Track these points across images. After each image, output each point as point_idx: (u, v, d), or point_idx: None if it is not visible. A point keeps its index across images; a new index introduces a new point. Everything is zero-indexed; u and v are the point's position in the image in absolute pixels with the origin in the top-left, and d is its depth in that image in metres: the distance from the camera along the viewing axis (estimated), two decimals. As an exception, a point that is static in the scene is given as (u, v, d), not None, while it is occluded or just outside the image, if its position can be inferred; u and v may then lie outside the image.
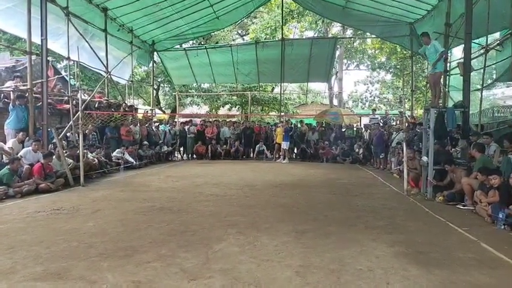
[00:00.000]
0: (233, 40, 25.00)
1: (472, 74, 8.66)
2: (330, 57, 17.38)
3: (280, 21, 17.61)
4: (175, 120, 16.89)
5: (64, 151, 8.23)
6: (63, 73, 12.90)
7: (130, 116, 12.81)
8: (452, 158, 7.22)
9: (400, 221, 5.06)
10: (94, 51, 11.68)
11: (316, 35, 23.95)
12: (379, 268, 3.26)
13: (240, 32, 27.31)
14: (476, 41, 10.03)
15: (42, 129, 8.81)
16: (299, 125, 16.04)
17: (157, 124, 15.42)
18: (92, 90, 12.58)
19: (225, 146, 15.08)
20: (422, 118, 8.04)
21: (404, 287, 2.91)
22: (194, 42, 21.27)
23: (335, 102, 26.45)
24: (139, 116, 14.71)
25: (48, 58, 9.36)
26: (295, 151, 15.78)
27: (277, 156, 14.65)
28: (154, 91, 22.30)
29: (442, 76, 9.09)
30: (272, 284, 2.91)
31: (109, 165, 10.18)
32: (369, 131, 13.77)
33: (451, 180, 6.61)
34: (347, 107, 27.08)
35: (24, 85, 8.82)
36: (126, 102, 14.51)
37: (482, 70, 9.87)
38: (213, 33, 20.78)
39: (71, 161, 8.28)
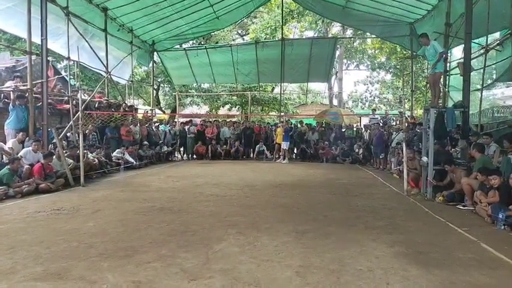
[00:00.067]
0: (233, 40, 25.00)
1: (472, 74, 8.66)
2: (329, 57, 17.37)
3: (280, 21, 17.60)
4: (176, 120, 16.88)
5: (64, 151, 8.24)
6: (63, 73, 12.91)
7: (131, 116, 12.81)
8: (452, 158, 7.22)
9: (400, 221, 5.06)
10: (94, 51, 11.68)
11: (316, 35, 23.97)
12: (379, 268, 3.27)
13: (240, 32, 27.31)
14: (476, 41, 10.03)
15: (42, 129, 8.81)
16: (299, 125, 16.05)
17: (157, 124, 15.42)
18: (92, 90, 12.58)
19: (225, 146, 15.08)
20: (422, 118, 8.05)
21: (404, 287, 2.92)
22: (194, 42, 21.27)
23: (335, 102, 26.47)
24: (140, 116, 14.70)
25: (48, 58, 9.36)
26: (295, 151, 15.79)
27: (277, 156, 14.65)
28: (154, 91, 22.31)
29: (442, 76, 9.09)
30: (272, 284, 2.92)
31: (109, 165, 10.18)
32: (368, 131, 13.77)
33: (451, 181, 6.61)
34: (347, 107, 27.09)
35: (24, 85, 8.82)
36: (126, 102, 14.52)
37: (482, 70, 9.87)
38: (213, 33, 20.78)
39: (71, 161, 8.28)
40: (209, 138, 15.00)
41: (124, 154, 10.93)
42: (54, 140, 8.49)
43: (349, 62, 27.53)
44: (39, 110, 8.92)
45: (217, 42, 21.44)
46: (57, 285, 2.87)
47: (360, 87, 29.17)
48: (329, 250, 3.75)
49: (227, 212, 5.46)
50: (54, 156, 7.84)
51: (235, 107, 25.18)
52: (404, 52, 19.41)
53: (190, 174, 9.95)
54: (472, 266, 3.39)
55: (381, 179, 9.50)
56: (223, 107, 25.45)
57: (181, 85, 22.16)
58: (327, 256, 3.56)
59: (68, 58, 10.39)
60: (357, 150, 14.03)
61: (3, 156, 7.57)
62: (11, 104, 8.37)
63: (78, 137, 8.48)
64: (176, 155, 15.57)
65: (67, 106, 10.29)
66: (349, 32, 24.00)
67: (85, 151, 8.68)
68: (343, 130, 15.34)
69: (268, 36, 21.22)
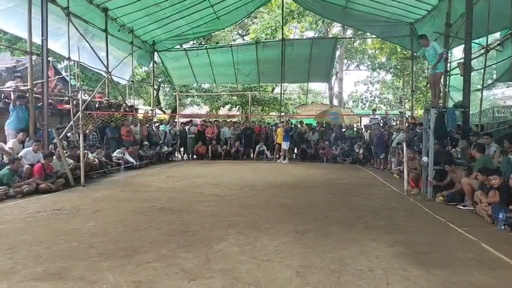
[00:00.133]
0: (233, 40, 25.01)
1: (472, 74, 8.66)
2: (330, 57, 17.38)
3: (281, 22, 17.61)
4: (176, 120, 16.89)
5: (64, 151, 8.24)
6: (64, 73, 12.92)
7: (131, 116, 12.82)
8: (453, 158, 7.21)
9: (400, 221, 5.06)
10: (94, 51, 11.68)
11: (316, 35, 23.97)
12: (379, 268, 3.27)
13: (240, 32, 27.32)
14: (477, 41, 10.03)
15: (42, 130, 8.81)
16: (299, 126, 16.05)
17: (157, 124, 15.43)
18: (93, 91, 12.59)
19: (225, 146, 15.08)
20: (423, 118, 8.04)
21: (405, 287, 2.92)
22: (194, 42, 21.28)
23: (335, 102, 26.46)
24: (140, 116, 14.71)
25: (48, 58, 9.37)
26: (296, 151, 15.78)
27: (277, 156, 14.65)
28: (155, 91, 22.33)
29: (442, 76, 9.09)
30: (272, 284, 2.92)
31: (109, 165, 10.19)
32: (369, 131, 13.77)
33: (451, 181, 6.61)
34: (347, 107, 27.08)
35: (24, 85, 8.82)
36: (126, 102, 14.52)
37: (482, 70, 9.87)
38: (213, 34, 20.79)
39: (72, 161, 8.28)
40: (209, 138, 15.00)
41: (124, 154, 10.93)
42: (55, 140, 8.49)
43: (349, 62, 27.54)
44: (39, 110, 8.92)
45: (217, 43, 21.45)
46: (57, 285, 2.87)
47: (360, 88, 29.20)
48: (329, 250, 3.75)
49: (227, 212, 5.46)
50: (54, 156, 7.85)
51: (236, 107, 25.18)
52: (405, 52, 19.42)
53: (190, 174, 9.95)
54: (472, 266, 3.39)
55: (381, 179, 9.49)
56: (223, 107, 25.46)
57: (182, 85, 22.17)
58: (327, 256, 3.56)
59: (69, 58, 10.40)
60: (357, 150, 14.03)
61: (4, 156, 7.57)
62: (11, 104, 8.38)
63: (79, 137, 8.48)
64: (176, 155, 15.58)
65: (67, 106, 10.29)
66: (349, 32, 24.00)
67: (85, 151, 8.68)
68: (344, 130, 15.34)
69: (268, 36, 21.23)
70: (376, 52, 24.93)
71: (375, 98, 28.09)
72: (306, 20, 23.64)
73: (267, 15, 22.65)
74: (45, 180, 7.15)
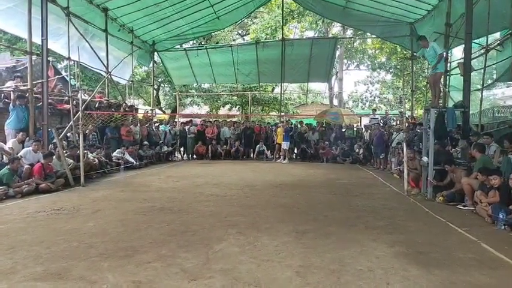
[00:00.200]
0: (233, 40, 25.01)
1: (472, 74, 8.66)
2: (330, 57, 17.38)
3: (281, 21, 17.61)
4: (176, 120, 16.89)
5: (64, 151, 8.24)
6: (64, 73, 12.91)
7: (131, 116, 12.82)
8: (453, 158, 7.21)
9: (400, 221, 5.06)
10: (94, 51, 11.68)
11: (316, 35, 23.96)
12: (379, 268, 3.27)
13: (240, 32, 27.31)
14: (477, 41, 10.03)
15: (42, 130, 8.81)
16: (299, 125, 16.05)
17: (157, 124, 15.43)
18: (92, 91, 12.58)
19: (225, 146, 15.08)
20: (423, 118, 8.04)
21: (405, 287, 2.92)
22: (194, 42, 21.28)
23: (335, 102, 26.46)
24: (140, 116, 14.71)
25: (48, 58, 9.37)
26: (296, 151, 15.78)
27: (277, 156, 14.65)
28: (155, 91, 22.33)
29: (443, 76, 9.08)
30: (272, 284, 2.92)
31: (109, 165, 10.18)
32: (369, 131, 13.77)
33: (451, 181, 6.61)
34: (347, 107, 27.07)
35: (24, 85, 8.82)
36: (126, 102, 14.52)
37: (482, 70, 9.87)
38: (213, 34, 20.78)
39: (71, 161, 8.28)
40: (209, 138, 15.01)
41: (124, 154, 10.93)
42: (54, 140, 8.49)
43: (349, 62, 27.54)
44: (39, 110, 8.92)
45: (217, 43, 21.45)
46: (57, 285, 2.87)
47: (360, 87, 29.19)
48: (329, 250, 3.75)
49: (227, 212, 5.46)
50: (54, 156, 7.84)
51: (236, 107, 25.19)
52: (405, 52, 19.42)
53: (190, 174, 9.95)
54: (472, 266, 3.39)
55: (381, 179, 9.49)
56: (223, 107, 25.46)
57: (182, 85, 22.17)
58: (327, 256, 3.56)
59: (69, 58, 10.40)
60: (357, 150, 14.03)
61: (4, 156, 7.57)
62: (11, 104, 8.38)
63: (78, 137, 8.48)
64: (176, 155, 15.58)
65: (67, 106, 10.29)
66: (349, 32, 23.99)
67: (85, 151, 8.68)
68: (344, 130, 15.34)
69: (268, 36, 21.22)
70: (376, 52, 24.93)
71: (374, 98, 28.09)
72: (306, 20, 23.64)
73: (267, 15, 22.65)
74: (45, 180, 7.15)
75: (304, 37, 23.69)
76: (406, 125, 9.40)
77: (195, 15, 14.36)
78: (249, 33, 24.93)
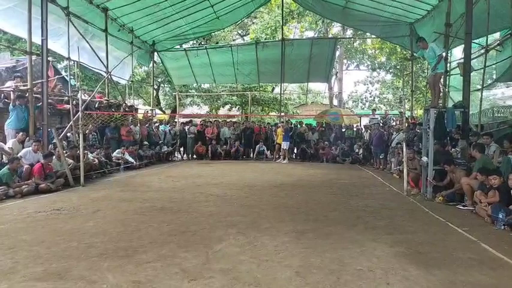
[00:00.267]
0: (233, 40, 25.01)
1: (472, 74, 8.66)
2: (330, 57, 17.38)
3: (281, 22, 17.62)
4: (176, 120, 16.90)
5: (64, 151, 8.24)
6: (64, 73, 12.93)
7: (131, 116, 12.82)
8: (452, 158, 7.21)
9: (400, 221, 5.06)
10: (94, 51, 11.68)
11: (316, 35, 23.95)
12: (379, 268, 3.27)
13: (240, 32, 27.30)
14: (476, 41, 10.03)
15: (42, 130, 8.81)
16: (298, 126, 16.05)
17: (157, 124, 15.43)
18: (92, 91, 12.59)
19: (225, 146, 15.08)
20: (422, 118, 8.04)
21: (405, 287, 2.92)
22: (194, 42, 21.28)
23: (335, 102, 26.42)
24: (140, 116, 14.71)
25: (48, 58, 9.37)
26: (295, 151, 15.79)
27: (277, 156, 14.66)
28: (155, 91, 22.32)
29: (442, 76, 9.08)
30: (272, 284, 2.92)
31: (109, 165, 10.18)
32: (369, 131, 13.78)
33: (451, 181, 6.61)
34: (347, 107, 27.03)
35: (24, 85, 8.82)
36: (126, 102, 14.52)
37: (482, 70, 9.87)
38: (213, 34, 20.78)
39: (71, 161, 8.28)
40: (209, 138, 15.01)
41: (124, 154, 10.92)
42: (54, 140, 8.49)
43: (349, 62, 27.49)
44: (39, 110, 8.92)
45: (217, 43, 21.45)
46: (57, 285, 2.87)
47: (360, 88, 29.13)
48: (329, 250, 3.75)
49: (227, 212, 5.46)
50: (54, 156, 7.84)
51: (236, 107, 25.18)
52: (404, 52, 19.42)
53: (190, 174, 9.95)
54: (472, 266, 3.39)
55: (380, 179, 9.50)
56: (223, 107, 25.46)
57: (182, 85, 22.16)
58: (327, 256, 3.56)
59: (68, 58, 10.40)
60: (357, 150, 14.04)
61: (3, 156, 7.57)
62: (11, 104, 8.38)
63: (78, 137, 8.48)
64: (176, 155, 15.58)
65: (67, 106, 10.29)
66: (349, 32, 23.97)
67: (85, 151, 8.68)
68: (343, 130, 15.35)
69: (268, 36, 21.21)
70: (376, 52, 24.91)
71: (374, 98, 28.06)
72: (305, 20, 23.62)
73: (266, 15, 22.64)
74: (45, 180, 7.14)
75: (304, 37, 23.68)
76: (406, 125, 9.40)
77: (195, 15, 14.36)
78: (248, 33, 24.93)
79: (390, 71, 25.14)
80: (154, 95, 21.45)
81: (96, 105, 11.79)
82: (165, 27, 14.68)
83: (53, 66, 11.39)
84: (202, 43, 21.84)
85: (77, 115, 8.94)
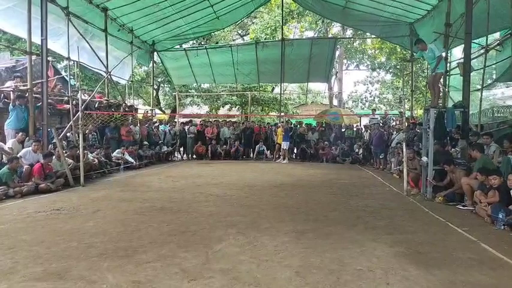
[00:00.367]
0: (233, 40, 25.00)
1: (472, 74, 8.65)
2: (329, 57, 17.38)
3: (280, 21, 17.62)
4: (175, 120, 16.90)
5: (64, 151, 8.23)
6: (63, 73, 12.92)
7: (131, 116, 12.81)
8: (452, 158, 7.22)
9: (400, 221, 5.06)
10: (94, 51, 11.68)
11: (316, 35, 23.95)
12: (379, 268, 3.27)
13: (240, 32, 27.30)
14: (476, 41, 10.03)
15: (42, 130, 8.80)
16: (298, 126, 16.05)
17: (157, 124, 15.43)
18: (92, 90, 12.58)
19: (225, 146, 15.07)
20: (422, 118, 8.03)
21: (405, 287, 2.92)
22: (194, 42, 21.28)
23: (335, 102, 26.43)
24: (139, 116, 14.71)
25: (48, 58, 9.36)
26: (295, 151, 15.79)
27: (277, 156, 14.66)
28: (154, 91, 22.32)
29: (442, 76, 9.08)
30: (272, 284, 2.92)
31: (109, 165, 10.18)
32: (368, 131, 13.78)
33: (451, 181, 6.61)
34: (347, 107, 27.03)
35: (24, 85, 8.82)
36: (126, 102, 14.52)
37: (482, 70, 9.87)
38: (213, 34, 20.78)
39: (71, 161, 8.28)
40: (209, 138, 15.01)
41: (124, 154, 10.92)
42: (54, 140, 8.48)
43: (349, 62, 27.48)
44: (39, 110, 8.91)
45: (217, 43, 21.45)
46: (57, 285, 2.87)
47: (359, 87, 29.12)
48: (329, 250, 3.75)
49: (227, 212, 5.46)
50: (54, 156, 7.84)
51: (235, 107, 25.18)
52: (404, 52, 19.42)
53: (190, 174, 9.95)
54: (472, 266, 3.39)
55: (380, 179, 9.50)
56: (223, 107, 25.46)
57: (181, 85, 22.16)
58: (327, 256, 3.56)
59: (68, 58, 10.39)
60: (356, 150, 14.04)
61: (3, 156, 7.56)
62: (11, 104, 8.37)
63: (78, 137, 8.47)
64: (176, 155, 15.58)
65: (67, 106, 10.29)
66: (349, 32, 23.98)
67: (85, 151, 8.68)
68: (343, 130, 15.35)
69: (268, 36, 21.21)
70: (376, 52, 24.91)
71: (374, 98, 28.05)
72: (305, 20, 23.63)
73: (266, 15, 22.64)
74: (45, 180, 7.14)
75: (304, 37, 23.69)
76: (406, 125, 9.40)
77: (195, 15, 14.36)
78: (248, 33, 24.92)
79: (390, 71, 25.13)
80: (154, 95, 21.45)
81: (96, 105, 11.79)
82: (164, 27, 14.68)
83: (53, 66, 11.40)
84: (202, 43, 21.84)
85: (76, 115, 8.94)
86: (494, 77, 12.09)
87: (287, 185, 8.29)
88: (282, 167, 12.22)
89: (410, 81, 17.41)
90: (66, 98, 10.42)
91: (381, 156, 12.07)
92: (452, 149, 8.09)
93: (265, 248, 3.78)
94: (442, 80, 9.10)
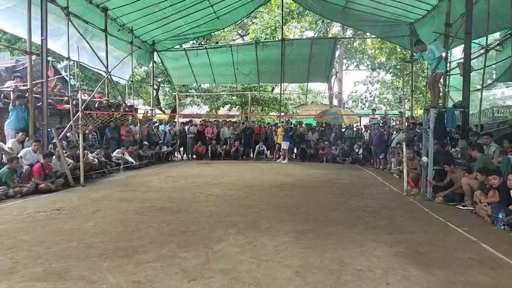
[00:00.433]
0: (233, 40, 25.00)
1: (472, 74, 8.65)
2: (329, 57, 17.38)
3: (280, 21, 17.62)
4: (175, 120, 16.90)
5: (64, 151, 8.23)
6: (63, 73, 12.92)
7: (130, 116, 12.81)
8: (452, 158, 7.22)
9: (400, 221, 5.06)
10: (94, 51, 11.68)
11: (316, 35, 23.95)
12: (379, 268, 3.27)
13: (240, 32, 27.30)
14: (476, 41, 10.03)
15: (42, 130, 8.80)
16: (298, 126, 16.05)
17: (157, 124, 15.43)
18: (92, 90, 12.57)
19: (225, 146, 15.07)
20: (422, 118, 8.03)
21: (405, 287, 2.92)
22: (194, 42, 21.28)
23: (335, 102, 26.43)
24: (139, 116, 14.71)
25: (48, 58, 9.36)
26: (295, 151, 15.79)
27: (277, 156, 14.66)
28: (154, 91, 22.32)
29: (442, 76, 9.08)
30: (272, 284, 2.92)
31: (109, 165, 10.18)
32: (368, 131, 13.78)
33: (451, 181, 6.61)
34: (347, 107, 27.03)
35: (24, 85, 8.81)
36: (126, 102, 14.52)
37: (482, 70, 9.87)
38: (213, 34, 20.78)
39: (71, 161, 8.28)
40: (209, 138, 15.01)
41: (124, 154, 10.92)
42: (54, 140, 8.48)
43: (349, 62, 27.48)
44: (39, 110, 8.91)
45: (217, 43, 21.45)
46: (57, 285, 2.87)
47: (359, 87, 29.11)
48: (329, 250, 3.75)
49: (227, 212, 5.46)
50: (54, 156, 7.84)
51: (235, 107, 25.18)
52: (404, 52, 19.41)
53: (190, 174, 9.95)
54: (472, 266, 3.39)
55: (380, 179, 9.50)
56: (223, 107, 25.46)
57: (181, 85, 22.16)
58: (327, 256, 3.56)
59: (68, 58, 10.39)
60: (356, 150, 14.04)
61: (3, 156, 7.56)
62: (11, 104, 8.37)
63: (78, 137, 8.47)
64: (176, 155, 15.57)
65: (67, 106, 10.29)
66: (349, 32, 23.98)
67: (85, 151, 8.68)
68: (343, 130, 15.35)
69: (268, 36, 21.21)
70: (376, 52, 24.91)
71: (374, 98, 28.05)
72: (305, 20, 23.63)
73: (266, 15, 22.64)
74: (45, 180, 7.14)
75: (304, 37, 23.68)
76: (406, 125, 9.40)
77: (195, 15, 14.36)
78: (248, 33, 24.92)
79: (390, 71, 25.14)
80: (154, 95, 21.45)
81: (96, 105, 11.79)
82: (164, 27, 14.68)
83: (53, 66, 11.39)
84: (202, 43, 21.84)
85: (76, 115, 8.93)
86: (494, 77, 12.09)
87: (287, 185, 8.29)
88: (282, 167, 12.22)
89: (410, 81, 17.41)
90: (66, 98, 10.42)
91: (381, 156, 12.07)
92: (452, 149, 8.10)
93: (265, 248, 3.78)
94: (442, 80, 9.10)
